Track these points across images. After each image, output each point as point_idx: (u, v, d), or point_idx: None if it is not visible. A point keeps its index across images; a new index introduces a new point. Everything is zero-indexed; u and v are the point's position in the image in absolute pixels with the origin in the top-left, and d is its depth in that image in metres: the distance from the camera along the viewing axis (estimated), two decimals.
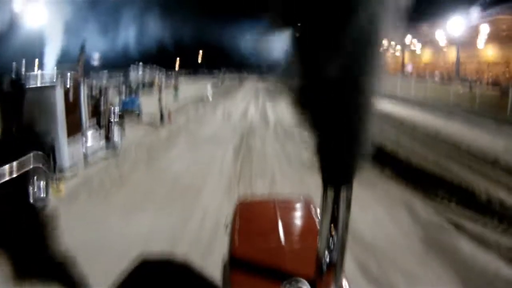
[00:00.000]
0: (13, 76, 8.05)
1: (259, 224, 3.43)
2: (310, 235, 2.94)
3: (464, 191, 7.83)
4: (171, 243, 5.65)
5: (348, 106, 1.90)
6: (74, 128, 8.83)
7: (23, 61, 8.16)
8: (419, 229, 6.22)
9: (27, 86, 7.94)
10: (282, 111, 19.83)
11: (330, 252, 2.19)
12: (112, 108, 11.64)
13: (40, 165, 7.27)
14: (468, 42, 33.57)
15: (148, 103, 20.68)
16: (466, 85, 26.97)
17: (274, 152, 11.71)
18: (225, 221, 3.66)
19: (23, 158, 6.80)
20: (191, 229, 6.21)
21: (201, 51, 76.95)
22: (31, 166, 6.97)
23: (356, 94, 1.90)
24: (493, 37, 33.28)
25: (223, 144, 12.79)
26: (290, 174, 9.34)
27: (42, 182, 7.24)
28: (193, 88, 37.50)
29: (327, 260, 2.21)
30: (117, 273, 4.73)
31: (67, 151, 8.38)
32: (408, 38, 43.83)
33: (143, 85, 34.07)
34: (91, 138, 9.79)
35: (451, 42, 36.46)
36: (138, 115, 19.02)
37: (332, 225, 2.13)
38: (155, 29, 49.48)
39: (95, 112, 10.24)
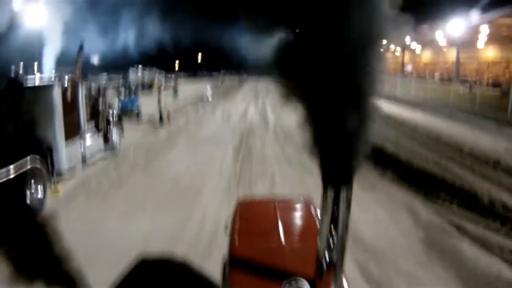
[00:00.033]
0: (11, 77, 8.03)
1: (259, 224, 3.44)
2: (310, 235, 2.94)
3: (466, 193, 7.78)
4: (170, 244, 5.62)
5: (347, 106, 1.91)
6: (73, 130, 8.77)
7: (21, 62, 8.14)
8: (421, 231, 6.17)
9: (25, 87, 7.90)
10: (282, 111, 19.81)
11: (330, 252, 2.20)
12: (111, 109, 11.61)
13: (38, 167, 7.22)
14: (468, 43, 33.61)
15: (147, 104, 20.67)
16: (466, 85, 26.99)
17: (274, 153, 11.68)
18: (225, 222, 3.66)
19: (20, 160, 6.75)
20: (190, 230, 6.18)
21: (200, 53, 77.05)
22: (28, 168, 6.92)
23: (355, 94, 1.91)
24: (493, 38, 33.33)
25: (223, 145, 12.76)
26: (290, 175, 9.30)
27: (39, 184, 7.19)
28: (193, 89, 37.53)
29: (327, 260, 2.22)
30: (116, 273, 4.71)
31: (65, 153, 8.32)
32: (408, 39, 43.88)
33: (143, 86, 34.07)
34: (90, 139, 9.74)
35: (451, 42, 36.52)
36: (138, 116, 19.01)
37: (332, 225, 2.14)
38: (155, 30, 49.42)
39: (94, 113, 10.19)
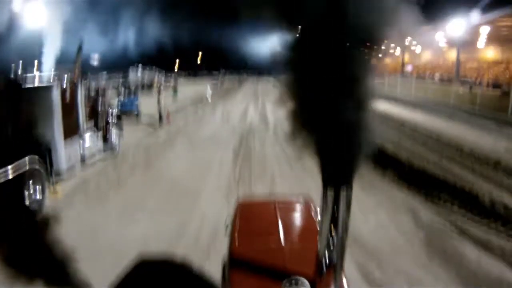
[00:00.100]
0: (10, 77, 7.99)
1: (259, 224, 3.44)
2: (310, 235, 2.93)
3: (467, 193, 7.76)
4: (169, 244, 5.59)
5: (347, 106, 1.91)
6: (71, 130, 8.74)
7: (20, 62, 8.10)
8: (421, 232, 6.15)
9: (23, 87, 7.87)
10: (281, 112, 19.76)
11: (330, 252, 2.21)
12: (110, 109, 11.58)
13: (36, 168, 7.19)
14: (468, 43, 33.58)
15: (147, 104, 20.66)
16: (466, 86, 26.96)
17: (274, 154, 11.65)
18: (225, 221, 3.64)
19: (19, 161, 6.72)
20: (190, 231, 6.15)
21: (200, 53, 77.10)
22: (27, 169, 6.89)
23: (355, 94, 1.91)
24: (493, 38, 33.31)
25: (222, 146, 12.74)
26: (290, 176, 9.27)
27: (38, 185, 7.16)
28: (193, 89, 37.55)
29: (327, 260, 2.24)
30: (116, 274, 4.70)
31: (64, 153, 8.29)
32: (408, 39, 43.90)
33: (142, 86, 34.09)
34: (89, 139, 9.71)
35: (451, 43, 36.51)
36: (137, 116, 18.99)
37: (332, 225, 2.15)
38: (155, 30, 49.51)
39: (93, 113, 10.16)
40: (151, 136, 14.92)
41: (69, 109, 8.68)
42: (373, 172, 8.97)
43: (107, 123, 10.93)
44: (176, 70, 62.95)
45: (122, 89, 22.14)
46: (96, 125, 10.27)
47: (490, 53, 36.42)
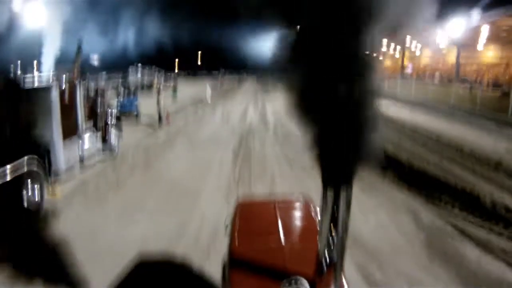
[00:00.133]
0: (9, 77, 7.98)
1: (259, 224, 3.43)
2: (310, 235, 2.93)
3: (467, 194, 7.74)
4: (169, 245, 5.58)
5: (347, 106, 1.90)
6: (70, 130, 8.71)
7: (19, 62, 8.10)
8: (422, 233, 6.12)
9: (22, 88, 7.85)
10: (281, 112, 19.77)
11: (330, 252, 2.21)
12: (110, 109, 11.57)
13: (35, 168, 7.16)
14: (468, 43, 33.59)
15: (146, 105, 20.64)
16: (466, 86, 26.95)
17: (274, 154, 11.63)
18: (225, 221, 3.63)
19: (17, 161, 6.69)
20: (189, 231, 6.14)
21: (200, 52, 77.17)
22: (25, 170, 6.87)
23: (355, 94, 1.89)
24: (494, 39, 33.32)
25: (222, 146, 12.73)
26: (290, 176, 9.25)
27: (36, 186, 7.13)
28: (192, 89, 37.55)
29: (327, 260, 2.23)
30: (115, 274, 4.69)
31: (63, 154, 8.26)
32: (408, 39, 43.91)
33: (142, 87, 34.08)
34: (88, 140, 9.68)
35: (451, 43, 36.53)
36: (137, 116, 18.97)
37: (332, 225, 2.14)
38: (154, 30, 49.57)
39: (92, 113, 10.13)
40: (150, 136, 14.90)
41: (68, 109, 8.65)
42: (373, 172, 8.94)
43: (106, 123, 10.90)
44: (175, 70, 63.02)
45: (122, 90, 22.12)
46: (95, 125, 10.24)
47: (490, 53, 36.45)
